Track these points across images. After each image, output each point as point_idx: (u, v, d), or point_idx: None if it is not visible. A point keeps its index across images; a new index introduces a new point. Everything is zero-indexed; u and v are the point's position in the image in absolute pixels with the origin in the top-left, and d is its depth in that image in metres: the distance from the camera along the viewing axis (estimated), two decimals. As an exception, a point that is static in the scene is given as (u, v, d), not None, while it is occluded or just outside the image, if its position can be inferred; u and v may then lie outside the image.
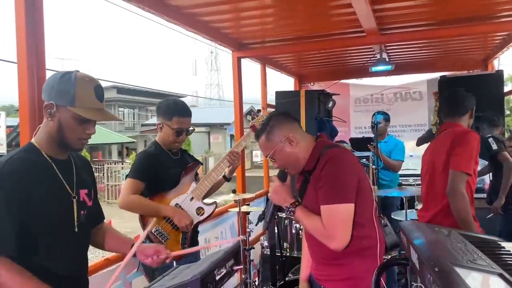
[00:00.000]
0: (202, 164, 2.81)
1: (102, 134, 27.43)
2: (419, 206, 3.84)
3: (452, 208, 2.39)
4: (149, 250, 1.78)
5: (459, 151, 2.44)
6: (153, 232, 2.43)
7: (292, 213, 1.88)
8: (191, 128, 2.60)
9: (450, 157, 2.46)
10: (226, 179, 2.78)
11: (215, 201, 2.70)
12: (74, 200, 1.60)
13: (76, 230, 1.59)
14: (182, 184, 2.55)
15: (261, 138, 1.95)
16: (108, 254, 2.40)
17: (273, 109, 2.67)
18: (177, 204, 2.49)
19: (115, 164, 20.56)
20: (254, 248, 3.73)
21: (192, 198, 2.54)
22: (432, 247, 1.11)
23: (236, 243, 1.67)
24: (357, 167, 1.87)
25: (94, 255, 5.62)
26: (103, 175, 18.02)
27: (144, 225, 2.49)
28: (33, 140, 1.58)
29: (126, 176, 2.49)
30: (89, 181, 1.72)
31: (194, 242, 2.60)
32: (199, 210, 2.55)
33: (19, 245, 1.42)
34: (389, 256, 3.02)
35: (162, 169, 2.49)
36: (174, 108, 2.54)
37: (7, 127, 15.18)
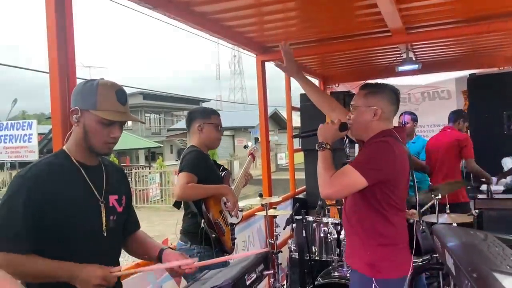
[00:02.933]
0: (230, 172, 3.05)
1: (129, 139, 27.96)
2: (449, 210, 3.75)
3: None
4: (172, 257, 1.74)
5: None
6: (217, 221, 2.59)
7: (321, 149, 2.05)
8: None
9: None
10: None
11: (242, 209, 2.91)
12: (102, 205, 1.62)
13: (105, 234, 1.62)
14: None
15: (365, 90, 2.10)
16: (139, 260, 2.44)
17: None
18: (225, 203, 2.68)
19: (142, 169, 20.90)
20: (281, 251, 3.72)
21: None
22: (469, 251, 1.09)
23: (266, 249, 1.66)
24: (398, 161, 1.96)
25: (124, 259, 5.70)
26: (131, 179, 18.28)
27: (208, 212, 2.60)
28: (64, 147, 1.64)
29: (180, 171, 2.59)
30: (121, 189, 1.75)
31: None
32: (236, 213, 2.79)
33: (47, 246, 1.46)
34: (420, 260, 2.96)
35: (211, 170, 2.71)
36: (209, 109, 2.85)
37: (39, 134, 15.61)
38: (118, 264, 1.74)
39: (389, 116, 2.09)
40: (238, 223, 2.83)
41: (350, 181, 1.92)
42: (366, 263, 2.03)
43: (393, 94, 2.11)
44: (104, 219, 1.62)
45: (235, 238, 2.84)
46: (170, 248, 1.83)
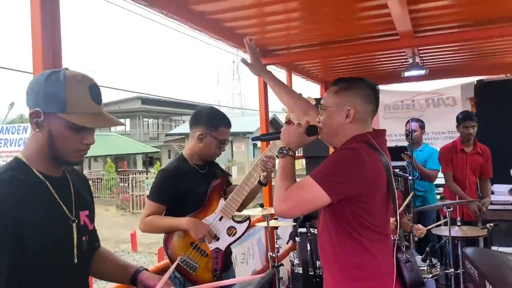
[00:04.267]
0: (230, 175, 2.52)
1: (127, 144, 27.79)
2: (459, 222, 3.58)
3: None
4: (153, 281, 1.46)
5: None
6: (180, 263, 2.19)
7: (282, 155, 1.71)
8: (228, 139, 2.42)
9: None
10: (262, 184, 2.42)
11: (248, 216, 2.41)
12: (74, 224, 1.32)
13: (76, 261, 1.32)
14: (210, 202, 2.29)
15: (335, 86, 1.77)
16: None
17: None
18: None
19: (140, 174, 20.71)
20: (283, 264, 3.53)
21: (221, 218, 2.27)
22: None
23: (270, 273, 1.47)
24: (369, 173, 1.59)
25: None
26: (128, 185, 18.14)
27: (167, 251, 2.27)
28: (20, 155, 1.30)
29: (148, 196, 2.30)
30: (89, 201, 1.46)
31: (228, 265, 2.37)
32: (230, 230, 2.29)
33: (11, 282, 1.16)
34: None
35: (188, 189, 2.26)
36: (220, 118, 2.37)
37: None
38: None
39: (364, 117, 1.73)
40: (236, 239, 2.34)
41: (309, 196, 1.56)
42: None
43: (370, 90, 1.75)
44: (75, 242, 1.32)
45: (230, 259, 2.45)
46: (146, 269, 1.53)
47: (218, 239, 2.26)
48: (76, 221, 1.33)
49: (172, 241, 2.25)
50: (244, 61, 2.30)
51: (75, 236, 1.32)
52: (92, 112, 1.27)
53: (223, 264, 2.27)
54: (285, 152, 1.71)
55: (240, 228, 2.31)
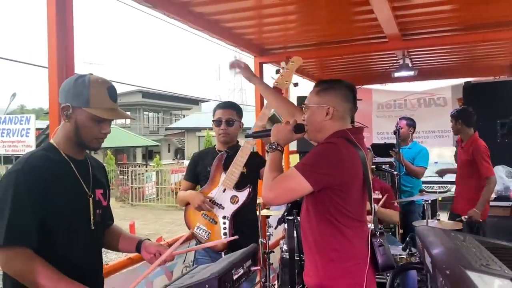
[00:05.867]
0: (229, 152, 2.71)
1: (127, 137, 27.92)
2: (441, 216, 3.79)
3: None
4: (152, 248, 1.81)
5: None
6: (195, 232, 2.58)
7: (271, 150, 1.91)
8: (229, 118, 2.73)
9: None
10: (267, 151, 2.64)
11: (249, 185, 2.61)
12: (90, 198, 1.65)
13: (93, 227, 1.65)
14: (213, 177, 2.63)
15: (316, 88, 1.95)
16: (132, 254, 2.48)
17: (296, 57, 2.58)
18: (211, 198, 2.56)
19: (139, 167, 20.89)
20: (273, 251, 3.75)
21: (224, 190, 2.56)
22: (446, 251, 1.13)
23: (254, 246, 1.69)
24: (347, 165, 1.78)
25: (117, 256, 5.74)
26: (127, 177, 18.30)
27: (185, 221, 2.69)
28: (52, 141, 1.66)
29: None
30: (104, 183, 1.79)
31: (239, 231, 2.53)
32: (233, 199, 2.56)
33: (39, 237, 1.48)
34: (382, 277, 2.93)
35: (204, 167, 2.72)
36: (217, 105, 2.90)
37: (36, 129, 15.59)
38: (101, 257, 1.78)
39: (343, 115, 1.90)
40: (242, 206, 2.55)
41: (293, 185, 1.77)
42: (316, 283, 1.85)
43: (348, 90, 1.92)
44: (92, 212, 1.65)
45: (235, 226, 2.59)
46: (148, 239, 1.87)
47: (223, 208, 2.55)
48: (92, 196, 1.66)
49: (188, 212, 2.67)
50: (236, 65, 2.50)
51: (91, 207, 1.65)
52: (109, 108, 1.62)
53: (235, 229, 2.53)
54: (274, 147, 1.91)
55: (242, 195, 2.56)
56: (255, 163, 2.66)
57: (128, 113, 34.99)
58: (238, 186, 2.56)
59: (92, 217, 1.65)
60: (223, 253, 2.46)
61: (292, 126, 1.92)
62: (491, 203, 4.26)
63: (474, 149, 3.95)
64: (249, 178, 2.64)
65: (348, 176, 1.79)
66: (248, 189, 2.58)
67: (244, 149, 2.58)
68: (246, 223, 2.64)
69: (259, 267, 2.46)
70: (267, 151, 1.96)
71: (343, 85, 1.94)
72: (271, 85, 2.46)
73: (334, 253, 1.81)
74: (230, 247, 2.42)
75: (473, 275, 0.94)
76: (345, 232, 1.80)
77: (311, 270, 1.89)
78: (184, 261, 2.81)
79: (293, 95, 5.52)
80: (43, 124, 17.92)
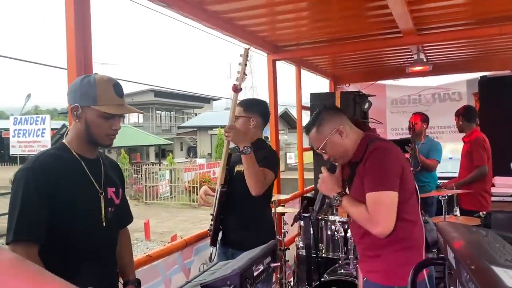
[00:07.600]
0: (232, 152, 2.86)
1: (140, 136, 28.16)
2: (458, 212, 3.76)
3: None
4: None
5: None
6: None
7: (339, 202, 1.97)
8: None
9: None
10: (242, 152, 2.55)
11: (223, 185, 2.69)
12: (102, 196, 1.69)
13: (104, 225, 1.68)
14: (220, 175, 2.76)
15: (312, 132, 2.06)
16: (150, 251, 2.51)
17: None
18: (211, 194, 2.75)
19: (152, 165, 21.04)
20: (289, 249, 3.77)
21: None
22: (469, 246, 1.12)
23: (273, 243, 1.70)
24: (401, 158, 1.96)
25: (136, 251, 5.81)
26: (141, 176, 18.47)
27: None
28: (64, 141, 1.70)
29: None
30: (117, 181, 1.82)
31: (239, 226, 2.69)
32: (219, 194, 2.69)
33: (50, 234, 1.51)
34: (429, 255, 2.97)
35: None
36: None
37: (51, 129, 15.82)
38: (114, 256, 1.78)
39: (350, 125, 2.07)
40: (217, 203, 2.66)
41: (387, 204, 1.84)
42: (383, 274, 1.93)
43: (327, 110, 2.10)
44: (103, 210, 1.68)
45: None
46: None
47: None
48: (104, 194, 1.70)
49: None
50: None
51: (102, 205, 1.69)
52: (116, 103, 1.66)
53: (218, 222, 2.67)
54: (337, 197, 1.99)
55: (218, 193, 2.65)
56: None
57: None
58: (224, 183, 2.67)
59: (103, 215, 1.68)
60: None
61: (327, 171, 2.06)
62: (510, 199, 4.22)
63: (472, 140, 4.14)
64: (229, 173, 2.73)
65: (404, 162, 1.96)
66: (223, 188, 2.64)
67: (225, 151, 2.70)
68: (251, 220, 2.69)
69: (279, 264, 2.48)
70: (334, 206, 2.18)
71: (324, 110, 2.08)
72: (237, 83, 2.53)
73: (401, 242, 1.90)
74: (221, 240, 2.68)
75: (498, 270, 0.94)
76: (407, 218, 1.91)
77: (375, 266, 1.96)
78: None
79: (306, 92, 5.52)
80: (57, 124, 18.17)
